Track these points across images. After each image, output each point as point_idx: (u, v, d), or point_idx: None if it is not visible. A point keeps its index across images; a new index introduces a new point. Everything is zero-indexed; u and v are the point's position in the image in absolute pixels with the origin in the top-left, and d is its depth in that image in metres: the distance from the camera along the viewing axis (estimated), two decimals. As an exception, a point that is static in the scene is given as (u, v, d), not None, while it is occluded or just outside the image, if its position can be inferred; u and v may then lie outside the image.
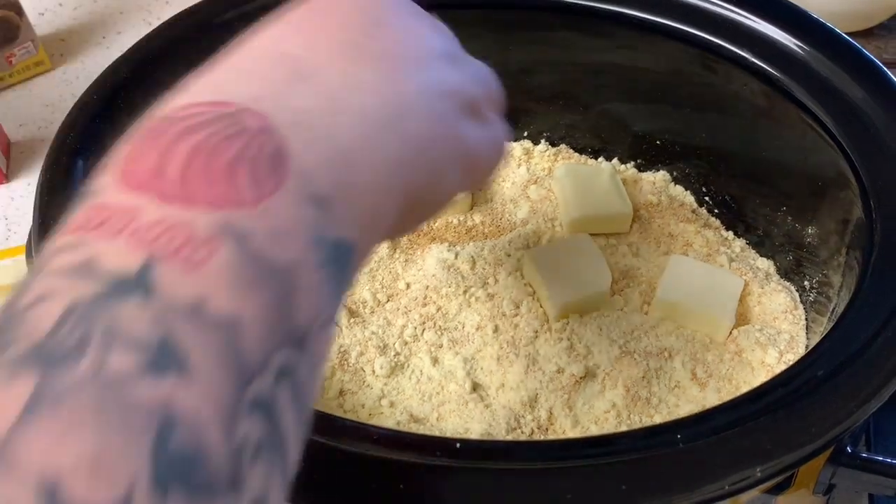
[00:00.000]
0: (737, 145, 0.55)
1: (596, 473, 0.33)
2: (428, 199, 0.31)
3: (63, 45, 0.80)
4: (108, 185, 0.23)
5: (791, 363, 0.44)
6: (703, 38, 0.52)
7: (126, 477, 0.18)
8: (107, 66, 0.50)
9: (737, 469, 0.33)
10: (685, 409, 0.46)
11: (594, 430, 0.46)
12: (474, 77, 0.33)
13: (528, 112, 0.61)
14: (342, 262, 0.25)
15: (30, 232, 0.43)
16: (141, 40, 0.52)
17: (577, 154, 0.61)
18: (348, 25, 0.29)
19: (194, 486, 0.19)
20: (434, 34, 0.32)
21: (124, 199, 0.22)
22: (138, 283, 0.20)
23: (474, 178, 0.34)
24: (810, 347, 0.46)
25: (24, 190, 0.68)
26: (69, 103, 0.49)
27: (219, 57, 0.27)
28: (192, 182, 0.22)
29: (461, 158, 0.31)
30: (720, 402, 0.40)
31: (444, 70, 0.31)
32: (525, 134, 0.61)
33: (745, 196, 0.56)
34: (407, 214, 0.29)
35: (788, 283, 0.53)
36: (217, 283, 0.21)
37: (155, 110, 0.25)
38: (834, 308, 0.46)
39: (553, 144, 0.61)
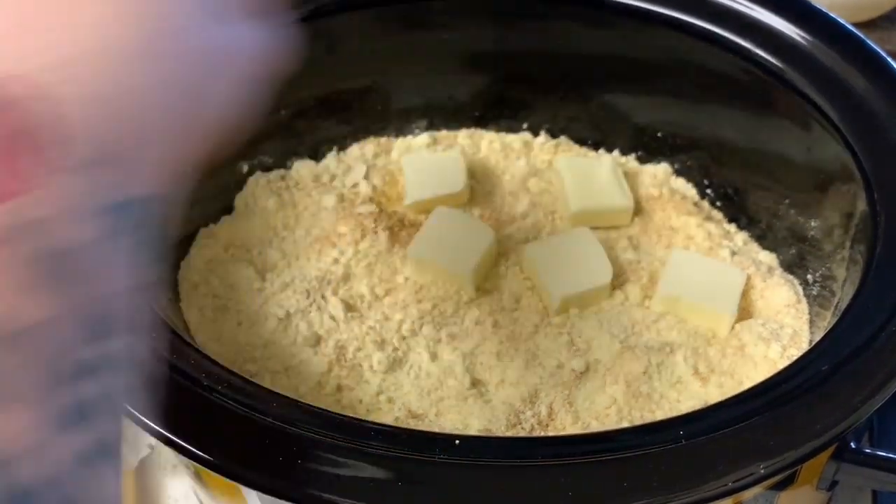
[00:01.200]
0: (739, 137, 0.55)
1: (597, 470, 0.33)
2: (199, 117, 0.28)
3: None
4: None
5: (794, 358, 0.43)
6: (705, 28, 0.52)
7: None
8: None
9: (739, 466, 0.32)
10: (687, 404, 0.46)
11: (595, 426, 0.45)
12: None
13: (528, 104, 0.60)
14: (140, 213, 0.24)
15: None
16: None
17: (577, 146, 0.61)
18: None
19: None
20: None
21: None
22: None
23: (238, 82, 0.30)
24: (814, 342, 0.46)
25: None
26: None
27: None
28: None
29: (218, 68, 0.28)
30: (722, 398, 0.40)
31: None
32: (525, 126, 0.61)
33: (748, 189, 0.55)
34: (183, 139, 0.27)
35: (791, 277, 0.52)
36: (13, 293, 0.20)
37: None
38: (838, 302, 0.46)
39: (553, 136, 0.61)
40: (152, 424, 0.34)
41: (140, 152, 0.24)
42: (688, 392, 0.46)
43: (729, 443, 0.33)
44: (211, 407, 0.35)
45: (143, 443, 0.52)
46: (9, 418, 0.20)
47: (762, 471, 0.32)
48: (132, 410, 0.34)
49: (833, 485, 0.39)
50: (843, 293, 0.45)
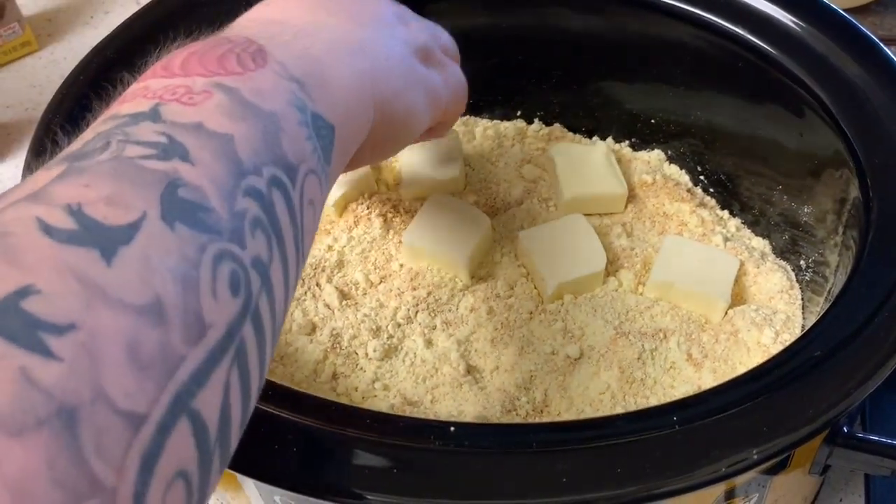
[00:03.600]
0: (732, 124, 0.55)
1: (592, 456, 0.33)
2: (399, 122, 0.37)
3: (50, 25, 0.79)
4: (127, 91, 0.29)
5: (787, 343, 0.44)
6: (698, 14, 0.51)
7: (138, 209, 0.23)
8: (94, 46, 0.50)
9: (733, 451, 0.33)
10: (680, 390, 0.46)
11: (589, 412, 0.45)
12: (424, 29, 0.42)
13: (521, 91, 0.60)
14: (322, 135, 0.30)
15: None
16: (128, 20, 0.51)
17: (570, 133, 0.61)
18: (340, 7, 0.36)
19: (199, 224, 0.24)
20: (386, 3, 0.40)
21: (136, 86, 0.28)
22: (149, 115, 0.26)
23: (440, 113, 0.41)
24: (807, 327, 0.46)
25: (11, 172, 0.68)
26: (56, 84, 0.48)
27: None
28: (190, 67, 0.28)
29: (424, 90, 0.39)
30: (716, 383, 0.40)
31: (396, 25, 0.39)
32: (518, 113, 0.61)
33: (741, 175, 0.56)
34: (380, 132, 0.36)
35: (784, 263, 0.52)
36: (212, 113, 0.26)
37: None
38: (830, 288, 0.46)
39: (547, 124, 0.61)
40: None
41: (335, 95, 0.32)
42: (681, 377, 0.47)
43: (722, 428, 0.33)
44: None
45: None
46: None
47: (755, 456, 0.32)
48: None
49: (826, 469, 0.39)
50: (836, 279, 0.45)
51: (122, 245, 0.22)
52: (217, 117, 0.26)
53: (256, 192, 0.26)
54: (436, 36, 0.43)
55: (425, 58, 0.40)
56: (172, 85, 0.27)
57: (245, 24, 0.34)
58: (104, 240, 0.21)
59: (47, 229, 0.21)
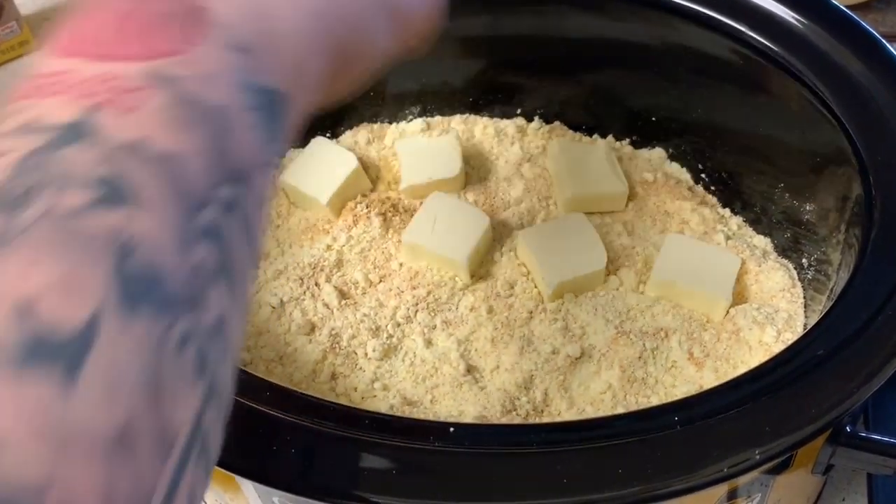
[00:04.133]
0: (734, 121, 0.55)
1: (593, 456, 0.33)
2: (356, 54, 0.32)
3: (48, 25, 0.79)
4: (44, 59, 0.24)
5: (789, 342, 0.43)
6: (700, 11, 0.51)
7: (94, 296, 0.19)
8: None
9: (735, 452, 0.32)
10: (682, 389, 0.46)
11: (590, 412, 0.45)
12: None
13: (522, 88, 0.60)
14: (272, 108, 0.26)
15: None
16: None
17: (571, 131, 0.60)
18: None
19: (159, 303, 0.20)
20: None
21: (59, 64, 0.23)
22: (82, 130, 0.21)
23: (405, 32, 0.34)
24: (809, 326, 0.46)
25: (10, 172, 0.67)
26: (52, 83, 0.48)
27: None
28: (121, 42, 0.24)
29: (385, 8, 0.32)
30: (717, 382, 0.40)
31: None
32: (518, 111, 0.60)
33: (742, 173, 0.55)
34: (338, 71, 0.31)
35: (786, 261, 0.52)
36: (154, 123, 0.22)
37: None
38: (833, 286, 0.45)
39: (547, 121, 0.60)
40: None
41: (285, 53, 0.27)
42: (683, 377, 0.46)
43: (724, 428, 0.33)
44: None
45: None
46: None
47: (758, 456, 0.32)
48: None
49: (828, 468, 0.39)
50: (839, 277, 0.45)
51: (84, 355, 0.18)
52: (162, 129, 0.22)
53: (212, 231, 0.22)
54: None
55: None
56: (103, 74, 0.23)
57: None
58: (64, 354, 0.18)
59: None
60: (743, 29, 0.50)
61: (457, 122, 0.60)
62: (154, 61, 0.23)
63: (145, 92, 0.23)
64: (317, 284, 0.50)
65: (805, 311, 0.49)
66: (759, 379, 0.35)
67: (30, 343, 0.18)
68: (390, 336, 0.48)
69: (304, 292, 0.50)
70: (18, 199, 0.20)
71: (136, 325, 0.19)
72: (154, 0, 0.25)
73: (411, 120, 0.60)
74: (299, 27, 0.28)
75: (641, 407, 0.45)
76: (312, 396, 0.37)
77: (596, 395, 0.45)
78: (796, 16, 0.49)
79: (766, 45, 0.49)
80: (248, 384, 0.36)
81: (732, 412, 0.33)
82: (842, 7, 0.49)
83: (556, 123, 0.60)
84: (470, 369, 0.47)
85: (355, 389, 0.46)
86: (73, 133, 0.21)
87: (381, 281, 0.51)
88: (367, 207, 0.54)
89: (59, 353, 0.18)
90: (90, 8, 0.25)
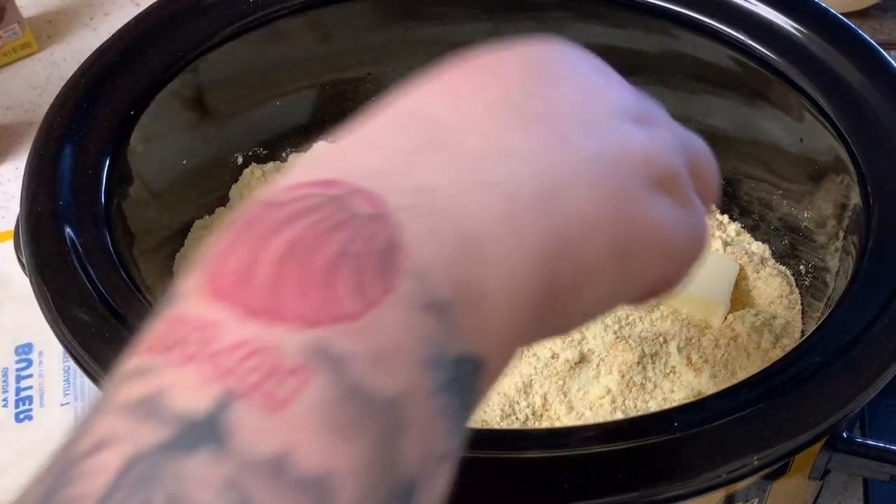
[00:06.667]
0: (732, 128, 0.55)
1: (592, 462, 0.33)
2: (580, 302, 0.24)
3: (50, 27, 0.79)
4: (190, 291, 0.19)
5: (787, 348, 0.44)
6: (698, 19, 0.51)
7: None
8: (95, 47, 0.50)
9: (734, 457, 0.33)
10: (680, 394, 0.46)
11: (589, 416, 0.45)
12: (672, 144, 0.26)
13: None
14: (464, 383, 0.20)
15: (17, 218, 0.43)
16: (129, 22, 0.51)
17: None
18: (510, 82, 0.24)
19: None
20: (620, 91, 0.26)
21: (205, 311, 0.18)
22: (211, 430, 0.17)
23: (661, 278, 0.26)
24: (806, 333, 0.46)
25: (11, 174, 0.68)
26: (57, 86, 0.48)
27: (358, 120, 0.23)
28: (284, 290, 0.18)
29: (640, 248, 0.24)
30: (716, 388, 0.40)
31: (627, 134, 0.24)
32: (519, 117, 0.61)
33: (741, 180, 0.55)
34: (548, 319, 0.23)
35: (784, 268, 0.52)
36: (306, 429, 0.17)
37: (263, 191, 0.21)
38: (831, 293, 0.46)
39: (547, 127, 0.61)
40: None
41: (492, 307, 0.21)
42: (681, 382, 0.47)
43: (723, 434, 0.33)
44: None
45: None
46: None
47: (756, 462, 0.33)
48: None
49: (825, 474, 0.39)
50: (836, 284, 0.45)
51: None
52: (314, 438, 0.17)
53: None
54: (688, 147, 0.27)
55: (666, 187, 0.25)
56: (253, 341, 0.18)
57: (390, 128, 0.23)
58: None
59: None
60: (741, 37, 0.50)
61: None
62: (320, 328, 0.18)
63: (302, 377, 0.17)
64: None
65: (803, 318, 0.49)
66: (757, 385, 0.35)
67: None
68: (391, 340, 0.48)
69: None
70: None
71: None
72: (334, 227, 0.19)
73: (412, 125, 0.60)
74: (517, 271, 0.21)
75: (640, 412, 0.45)
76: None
77: (595, 400, 0.46)
78: (794, 24, 0.49)
79: (764, 53, 0.49)
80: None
81: (731, 418, 0.34)
82: (839, 15, 0.49)
83: (556, 129, 0.61)
84: (470, 374, 0.47)
85: (356, 393, 0.47)
86: (202, 434, 0.17)
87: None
88: (368, 212, 0.54)
89: None
90: (256, 222, 0.20)
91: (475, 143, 0.22)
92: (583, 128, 0.24)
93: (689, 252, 0.27)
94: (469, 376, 0.21)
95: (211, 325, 0.18)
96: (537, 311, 0.22)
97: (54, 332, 0.38)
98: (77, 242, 0.40)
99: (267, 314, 0.18)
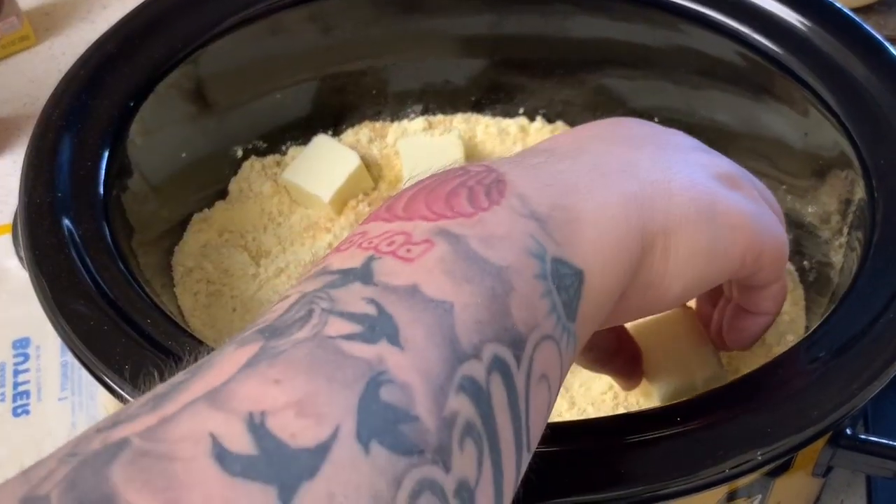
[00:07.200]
0: (736, 123, 0.55)
1: (594, 457, 0.33)
2: (682, 261, 0.29)
3: (48, 20, 0.79)
4: (350, 234, 0.26)
5: (790, 344, 0.43)
6: (703, 12, 0.51)
7: (332, 420, 0.19)
8: (92, 41, 0.49)
9: (737, 453, 0.32)
10: (683, 390, 0.46)
11: (591, 412, 0.45)
12: (731, 163, 0.34)
13: (524, 88, 0.60)
14: (565, 282, 0.25)
15: (16, 211, 0.43)
16: (127, 15, 0.51)
17: (573, 131, 0.60)
18: (616, 133, 0.32)
19: (399, 444, 0.19)
20: (704, 153, 0.34)
21: (358, 229, 0.26)
22: (359, 273, 0.23)
23: (751, 250, 0.32)
24: (810, 329, 0.46)
25: (9, 167, 0.67)
26: (55, 79, 0.48)
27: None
28: (415, 205, 0.25)
29: (719, 213, 0.30)
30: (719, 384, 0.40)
31: (691, 151, 0.33)
32: (521, 111, 0.60)
33: (744, 174, 0.55)
34: (654, 272, 0.29)
35: (788, 263, 0.52)
36: (431, 272, 0.23)
37: None
38: (835, 289, 0.46)
39: (549, 121, 0.60)
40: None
41: (586, 232, 0.27)
42: (683, 378, 0.46)
43: (726, 430, 0.33)
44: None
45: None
46: None
47: (759, 458, 0.32)
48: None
49: (828, 470, 0.39)
50: (841, 280, 0.45)
51: (305, 480, 0.18)
52: (436, 278, 0.23)
53: (472, 386, 0.21)
54: (746, 173, 0.35)
55: (733, 184, 0.32)
56: (391, 231, 0.24)
57: (521, 153, 0.30)
58: (285, 473, 0.18)
59: (221, 456, 0.18)
60: (746, 31, 0.50)
61: (459, 121, 0.60)
62: (442, 221, 0.25)
63: (427, 244, 0.24)
64: (318, 282, 0.50)
65: (807, 314, 0.49)
66: (761, 381, 0.35)
67: (255, 455, 0.18)
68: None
69: (306, 290, 0.50)
70: (287, 327, 0.21)
71: (366, 460, 0.19)
72: (456, 175, 0.27)
73: (413, 118, 0.60)
74: (605, 205, 0.27)
75: (643, 408, 0.45)
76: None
77: (597, 396, 0.45)
78: (800, 18, 0.49)
79: (769, 48, 0.49)
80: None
81: (734, 413, 0.33)
82: (844, 9, 0.49)
83: (559, 123, 0.60)
84: (471, 369, 0.47)
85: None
86: (352, 276, 0.23)
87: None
88: (368, 206, 0.54)
89: (281, 471, 0.18)
90: (402, 191, 0.27)
91: (584, 159, 0.29)
92: (670, 152, 0.31)
93: (767, 231, 0.33)
94: (569, 278, 0.25)
95: (362, 232, 0.25)
96: (634, 243, 0.28)
97: (52, 324, 0.38)
98: (76, 234, 0.40)
99: (400, 219, 0.25)
